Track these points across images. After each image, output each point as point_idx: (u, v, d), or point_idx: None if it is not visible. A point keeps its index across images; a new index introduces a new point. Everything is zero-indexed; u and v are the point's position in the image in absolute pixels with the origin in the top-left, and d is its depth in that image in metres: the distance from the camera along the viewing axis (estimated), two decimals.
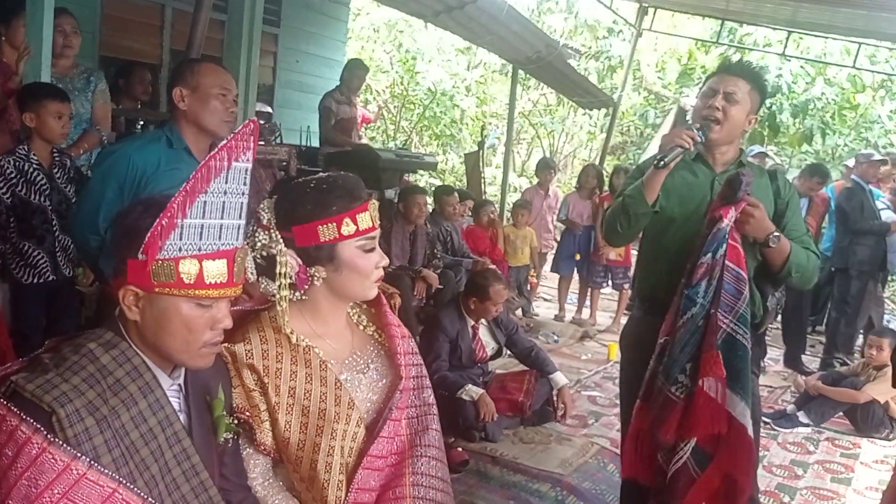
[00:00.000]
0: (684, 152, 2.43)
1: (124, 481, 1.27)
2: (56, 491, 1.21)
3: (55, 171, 3.37)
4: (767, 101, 7.51)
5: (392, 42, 13.88)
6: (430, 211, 6.62)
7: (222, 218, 1.35)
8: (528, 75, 12.20)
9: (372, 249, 1.71)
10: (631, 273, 7.33)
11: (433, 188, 8.22)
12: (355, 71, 6.91)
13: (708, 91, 2.55)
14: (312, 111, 7.00)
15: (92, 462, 1.24)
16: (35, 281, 3.32)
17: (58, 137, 3.35)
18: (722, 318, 2.34)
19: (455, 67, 13.50)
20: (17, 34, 3.63)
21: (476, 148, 9.49)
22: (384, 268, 1.77)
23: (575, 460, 3.96)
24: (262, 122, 7.00)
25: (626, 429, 2.63)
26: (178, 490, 1.39)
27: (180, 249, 1.31)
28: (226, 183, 1.34)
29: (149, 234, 1.30)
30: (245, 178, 1.37)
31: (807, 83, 12.08)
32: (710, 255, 2.36)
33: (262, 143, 6.29)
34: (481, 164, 8.86)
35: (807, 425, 4.75)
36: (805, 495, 3.83)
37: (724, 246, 2.35)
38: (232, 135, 1.33)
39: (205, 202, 1.32)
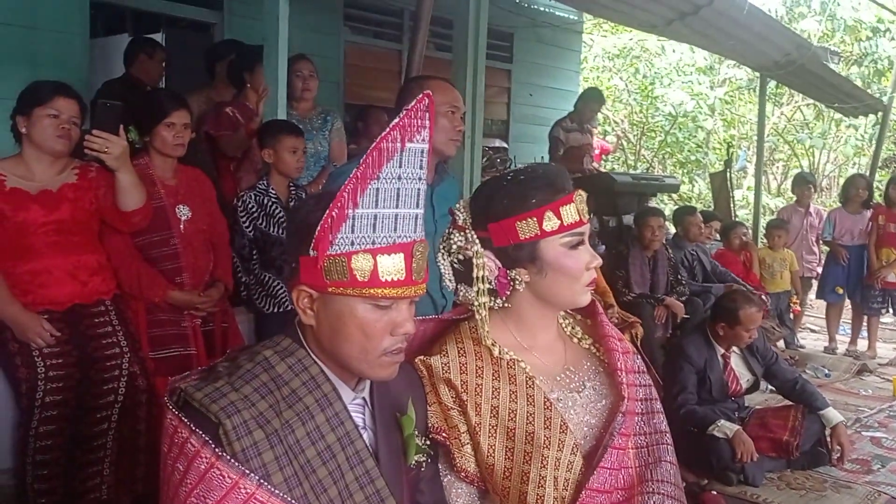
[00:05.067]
0: None
1: None
2: None
3: (292, 203, 3.49)
4: None
5: (628, 69, 13.48)
6: (673, 235, 6.19)
7: (397, 207, 1.19)
8: (778, 87, 11.26)
9: (580, 246, 1.48)
10: None
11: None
12: (589, 102, 6.72)
13: None
14: (546, 142, 6.89)
15: (261, 481, 1.11)
16: (276, 310, 3.43)
17: (293, 171, 3.48)
18: None
19: (697, 88, 12.77)
20: (258, 80, 3.87)
21: (723, 167, 8.82)
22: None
23: None
24: (496, 156, 7.05)
25: None
26: None
27: (352, 243, 1.17)
28: (399, 167, 1.18)
29: (318, 228, 1.17)
30: (421, 161, 1.20)
31: None
32: None
33: (496, 174, 6.30)
34: (729, 183, 8.18)
35: None
36: None
37: None
38: (405, 111, 1.18)
39: (377, 189, 1.17)
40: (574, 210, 1.46)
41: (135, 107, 3.04)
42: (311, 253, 1.19)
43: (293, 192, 3.55)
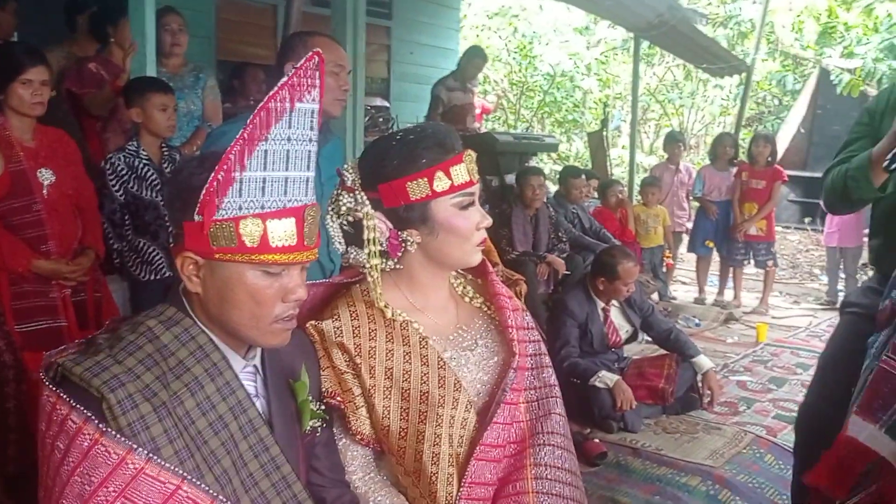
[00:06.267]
0: None
1: (189, 476, 1.09)
2: (111, 488, 1.05)
3: (165, 165, 3.33)
4: None
5: (507, 28, 13.59)
6: (555, 193, 6.33)
7: (287, 170, 1.15)
8: (650, 48, 11.64)
9: (470, 206, 1.48)
10: (774, 249, 6.79)
11: (557, 174, 7.91)
12: (472, 59, 6.72)
13: None
14: (428, 102, 6.86)
15: (150, 455, 1.07)
16: (152, 278, 3.29)
17: (164, 130, 3.31)
18: None
19: (573, 48, 13.04)
20: (124, 34, 3.65)
21: (599, 126, 9.08)
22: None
23: (726, 451, 3.58)
24: (378, 115, 6.97)
25: (817, 423, 2.02)
26: (257, 486, 1.20)
27: (240, 208, 1.12)
28: (289, 128, 1.14)
29: (204, 191, 1.12)
30: (312, 121, 1.16)
31: None
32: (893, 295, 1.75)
33: (378, 133, 6.23)
34: (605, 143, 8.43)
35: None
36: None
37: None
38: (294, 69, 1.13)
39: (266, 151, 1.13)
40: (464, 170, 1.46)
41: None
42: (196, 218, 1.13)
43: (166, 154, 3.38)
